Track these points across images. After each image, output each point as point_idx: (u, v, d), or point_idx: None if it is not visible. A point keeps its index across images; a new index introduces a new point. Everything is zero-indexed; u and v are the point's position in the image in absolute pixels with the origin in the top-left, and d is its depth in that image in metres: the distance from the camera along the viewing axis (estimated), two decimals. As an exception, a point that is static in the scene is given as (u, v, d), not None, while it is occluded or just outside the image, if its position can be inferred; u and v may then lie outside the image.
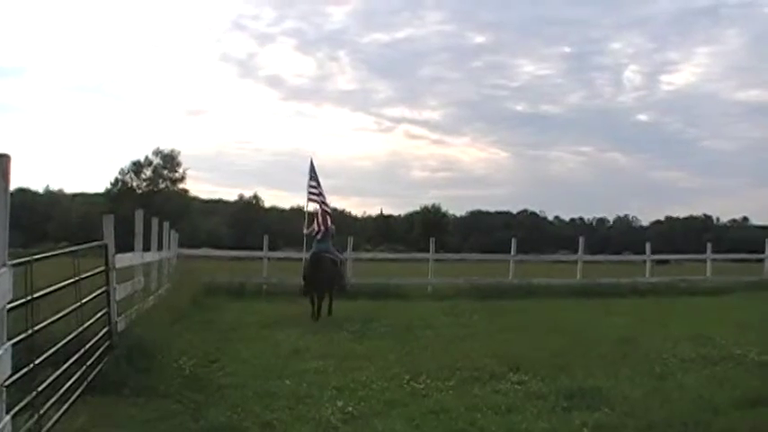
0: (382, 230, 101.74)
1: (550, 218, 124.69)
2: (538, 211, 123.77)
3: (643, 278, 25.19)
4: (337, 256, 18.08)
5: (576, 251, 25.68)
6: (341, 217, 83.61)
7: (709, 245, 27.53)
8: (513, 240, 25.03)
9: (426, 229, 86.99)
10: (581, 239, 25.96)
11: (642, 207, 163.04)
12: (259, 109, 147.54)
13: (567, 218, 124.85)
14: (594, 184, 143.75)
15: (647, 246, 26.35)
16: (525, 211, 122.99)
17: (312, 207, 19.33)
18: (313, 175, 19.42)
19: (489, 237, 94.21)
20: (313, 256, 17.32)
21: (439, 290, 22.79)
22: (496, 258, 28.41)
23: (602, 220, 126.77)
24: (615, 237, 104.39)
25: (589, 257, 27.04)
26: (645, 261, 26.24)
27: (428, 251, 24.11)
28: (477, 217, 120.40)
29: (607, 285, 23.62)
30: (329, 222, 18.04)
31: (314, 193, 19.26)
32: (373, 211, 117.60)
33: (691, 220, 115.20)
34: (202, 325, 14.31)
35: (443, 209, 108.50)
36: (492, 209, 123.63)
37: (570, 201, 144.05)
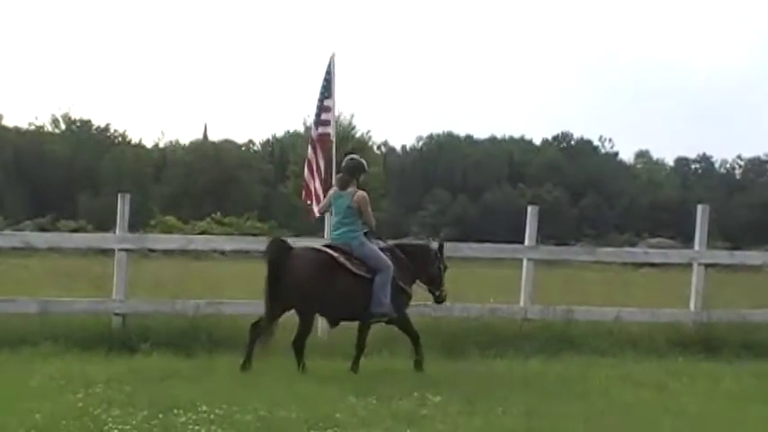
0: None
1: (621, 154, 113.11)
2: (595, 140, 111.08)
3: None
4: (369, 252, 11.21)
5: (682, 235, 15.43)
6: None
7: None
8: (532, 209, 13.88)
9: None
10: (699, 210, 14.63)
11: None
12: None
13: (658, 156, 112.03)
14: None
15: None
16: (566, 135, 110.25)
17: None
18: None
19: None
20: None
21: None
22: (481, 254, 16.15)
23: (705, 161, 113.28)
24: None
25: (721, 254, 17.07)
26: None
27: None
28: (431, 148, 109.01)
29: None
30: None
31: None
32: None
33: None
34: None
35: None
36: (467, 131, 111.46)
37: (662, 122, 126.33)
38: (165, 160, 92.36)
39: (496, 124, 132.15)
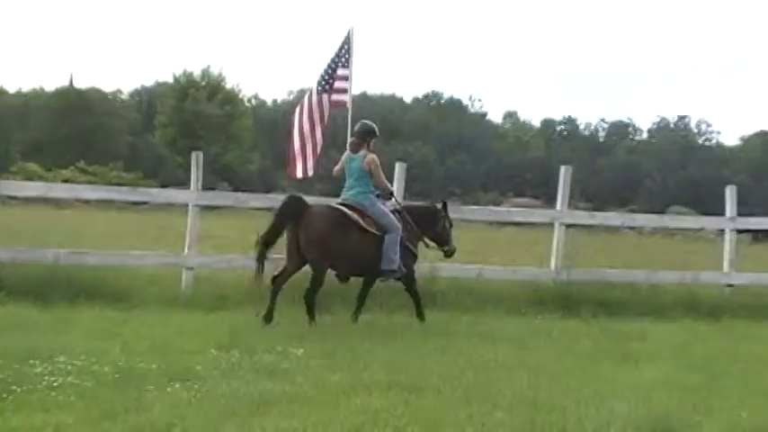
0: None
1: (490, 115, 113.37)
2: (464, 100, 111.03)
3: None
4: (380, 212, 11.72)
5: (547, 195, 15.19)
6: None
7: None
8: (400, 166, 13.95)
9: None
10: (562, 171, 14.92)
11: None
12: None
13: (525, 117, 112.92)
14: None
15: None
16: (436, 94, 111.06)
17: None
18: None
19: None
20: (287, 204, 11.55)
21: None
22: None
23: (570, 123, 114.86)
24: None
25: (582, 215, 17.46)
26: None
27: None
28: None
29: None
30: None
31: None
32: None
33: None
34: None
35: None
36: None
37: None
38: (28, 106, 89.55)
39: (368, 81, 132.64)
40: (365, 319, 11.80)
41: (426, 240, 12.52)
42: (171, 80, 77.08)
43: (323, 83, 14.70)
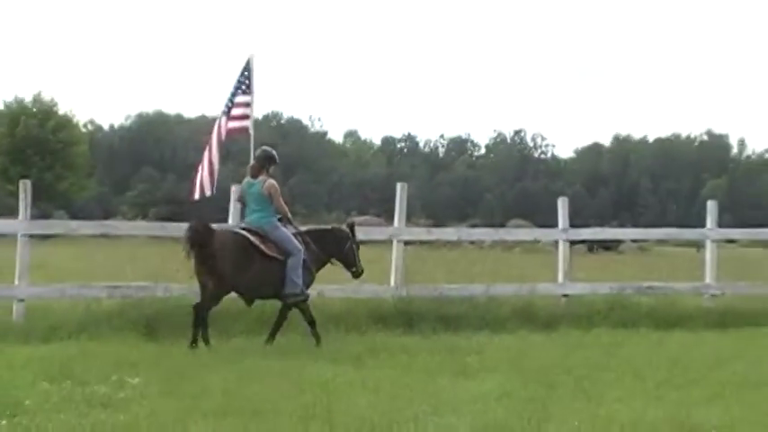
0: None
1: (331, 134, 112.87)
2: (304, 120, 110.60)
3: None
4: (281, 236, 12.09)
5: (389, 213, 15.45)
6: None
7: None
8: (237, 188, 13.78)
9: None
10: (399, 188, 15.03)
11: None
12: None
13: (365, 135, 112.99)
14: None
15: None
16: (276, 114, 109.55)
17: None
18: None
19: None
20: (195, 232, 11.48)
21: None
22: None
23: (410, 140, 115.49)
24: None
25: (419, 231, 16.26)
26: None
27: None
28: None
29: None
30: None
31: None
32: None
33: None
34: None
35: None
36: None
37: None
38: None
39: (207, 103, 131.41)
40: (204, 345, 11.61)
41: (334, 261, 12.92)
42: (0, 107, 74.83)
43: (225, 109, 15.07)
